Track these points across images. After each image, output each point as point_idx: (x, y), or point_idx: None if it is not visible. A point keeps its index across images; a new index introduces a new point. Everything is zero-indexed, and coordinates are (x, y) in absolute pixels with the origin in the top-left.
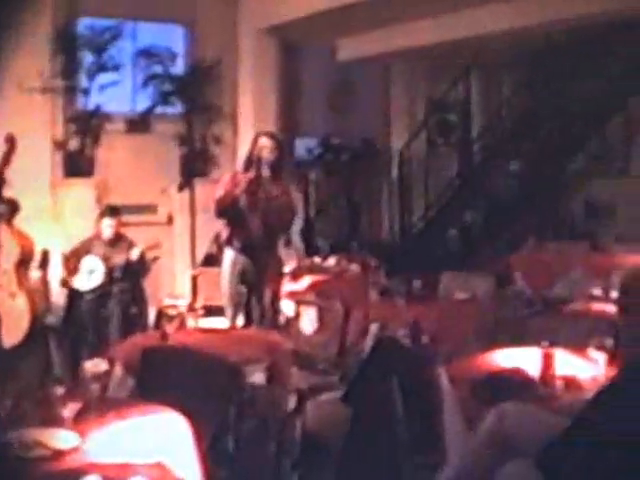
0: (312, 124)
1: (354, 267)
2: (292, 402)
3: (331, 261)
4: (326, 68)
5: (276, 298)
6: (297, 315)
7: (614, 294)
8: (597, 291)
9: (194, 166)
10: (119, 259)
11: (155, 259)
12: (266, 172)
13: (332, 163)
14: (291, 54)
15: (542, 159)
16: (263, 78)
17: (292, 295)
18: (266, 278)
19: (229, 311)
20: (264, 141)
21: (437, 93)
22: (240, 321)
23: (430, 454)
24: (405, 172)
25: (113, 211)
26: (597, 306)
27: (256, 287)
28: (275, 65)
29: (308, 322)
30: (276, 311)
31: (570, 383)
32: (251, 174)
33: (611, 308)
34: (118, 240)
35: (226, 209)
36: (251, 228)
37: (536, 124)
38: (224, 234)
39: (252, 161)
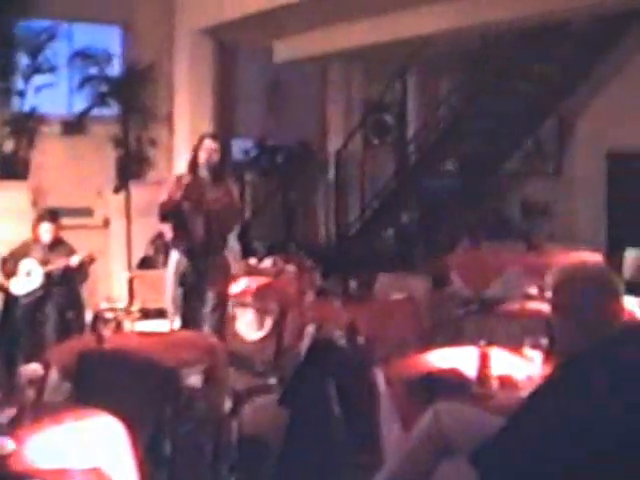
0: (248, 125)
1: (290, 268)
2: (228, 405)
3: (267, 263)
4: (262, 69)
5: (221, 301)
6: (234, 317)
7: (548, 293)
8: (532, 290)
9: (130, 168)
10: (58, 264)
11: (91, 261)
12: (210, 174)
13: (268, 164)
14: (227, 55)
15: (477, 159)
16: (199, 79)
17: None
18: (210, 280)
19: (171, 314)
20: (208, 143)
21: (373, 94)
22: (178, 324)
23: (367, 454)
24: (341, 173)
25: (52, 215)
26: (532, 305)
27: (200, 290)
28: (211, 66)
29: (245, 324)
30: (222, 314)
31: (506, 382)
32: (195, 176)
33: (546, 307)
34: (57, 244)
35: (170, 212)
36: (195, 231)
37: (471, 124)
38: (168, 237)
39: (196, 163)
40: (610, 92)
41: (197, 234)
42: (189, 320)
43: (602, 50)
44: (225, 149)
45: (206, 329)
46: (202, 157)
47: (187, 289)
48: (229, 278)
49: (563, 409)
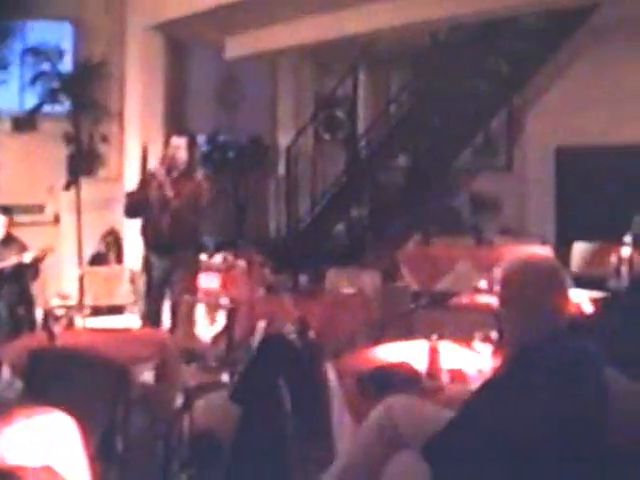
0: (200, 121)
1: (241, 264)
2: (180, 401)
3: (218, 258)
4: (214, 65)
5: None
6: (187, 313)
7: (497, 286)
8: (482, 284)
9: (81, 165)
10: (9, 261)
11: (45, 255)
12: (178, 171)
13: (220, 160)
14: (179, 51)
15: (428, 155)
16: (151, 76)
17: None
18: (177, 276)
19: (140, 309)
20: (177, 141)
21: (325, 90)
22: (138, 319)
23: (319, 448)
24: (292, 168)
25: (4, 211)
26: (482, 299)
27: (168, 285)
28: (162, 63)
29: (198, 320)
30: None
31: (456, 375)
32: (163, 173)
33: (495, 301)
34: (8, 241)
35: (137, 209)
36: (162, 227)
37: (422, 120)
38: (139, 233)
39: (166, 161)
40: (560, 88)
41: (164, 229)
42: (151, 316)
43: (552, 46)
44: (192, 146)
45: (166, 324)
46: (170, 155)
47: (152, 284)
48: (195, 275)
49: (511, 401)
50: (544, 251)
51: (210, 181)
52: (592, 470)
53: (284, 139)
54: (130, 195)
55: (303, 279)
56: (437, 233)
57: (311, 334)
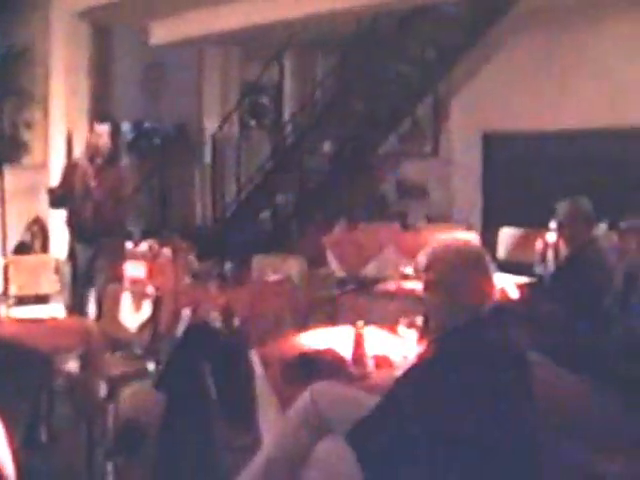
0: (125, 108)
1: (166, 252)
2: (104, 390)
3: (143, 246)
4: (139, 52)
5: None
6: (113, 301)
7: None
8: (408, 270)
9: (5, 152)
10: None
11: None
12: (102, 160)
13: (145, 147)
14: (104, 38)
15: (354, 140)
16: (75, 62)
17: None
18: (102, 265)
19: (65, 298)
20: (100, 128)
21: (250, 76)
22: (62, 309)
23: (245, 436)
24: (218, 155)
25: None
26: (408, 285)
27: (93, 274)
28: (87, 49)
29: (123, 308)
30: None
31: (381, 361)
32: (86, 162)
33: (421, 286)
34: None
35: (61, 198)
36: (85, 216)
37: (348, 106)
38: (64, 222)
39: (89, 149)
40: (486, 74)
41: (86, 219)
42: (77, 305)
43: (477, 32)
44: (115, 133)
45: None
46: (93, 143)
47: (77, 273)
48: (121, 263)
49: (435, 386)
50: (469, 237)
51: (134, 169)
52: (518, 453)
53: (210, 126)
54: (52, 191)
55: (229, 266)
56: (363, 219)
57: (236, 321)
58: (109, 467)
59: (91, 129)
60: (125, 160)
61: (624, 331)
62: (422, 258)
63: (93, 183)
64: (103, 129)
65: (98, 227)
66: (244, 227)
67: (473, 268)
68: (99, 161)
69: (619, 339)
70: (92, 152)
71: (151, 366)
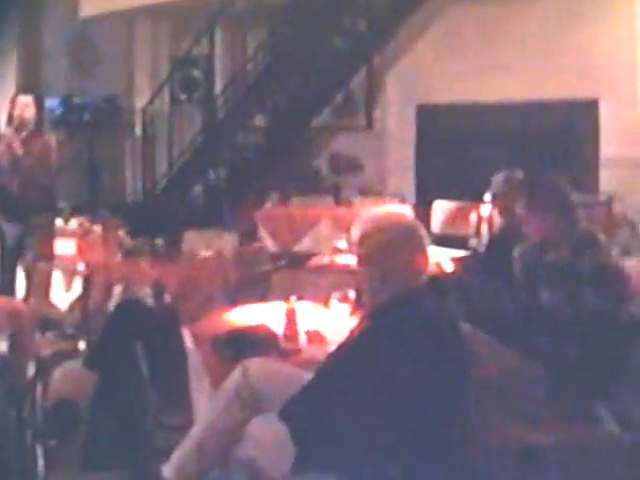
0: (54, 82)
1: (97, 228)
2: (34, 370)
3: (73, 223)
4: (68, 25)
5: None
6: (43, 280)
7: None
8: (341, 244)
9: None
10: None
11: None
12: (27, 130)
13: (74, 122)
14: (32, 10)
15: (286, 114)
16: (2, 35)
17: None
18: (31, 243)
19: None
20: (24, 99)
21: (181, 51)
22: None
23: (178, 415)
24: (148, 130)
25: None
26: (341, 259)
27: (22, 252)
28: (14, 21)
29: (53, 287)
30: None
31: (314, 337)
32: (12, 133)
33: (354, 260)
34: None
35: None
36: (13, 189)
37: (280, 79)
38: None
39: (13, 120)
40: (420, 45)
41: (14, 192)
42: (5, 284)
43: (412, 3)
44: (39, 104)
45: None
46: (17, 115)
47: (5, 252)
48: (51, 240)
49: (367, 362)
50: (403, 210)
51: (63, 144)
52: (450, 427)
53: (140, 100)
54: None
55: (160, 243)
56: (296, 193)
57: (168, 298)
58: (39, 450)
59: (12, 100)
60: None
61: (544, 305)
62: (354, 232)
63: (20, 152)
64: (27, 99)
65: (27, 203)
66: (175, 203)
67: (406, 242)
68: (25, 132)
69: (540, 313)
70: (17, 123)
71: (83, 345)
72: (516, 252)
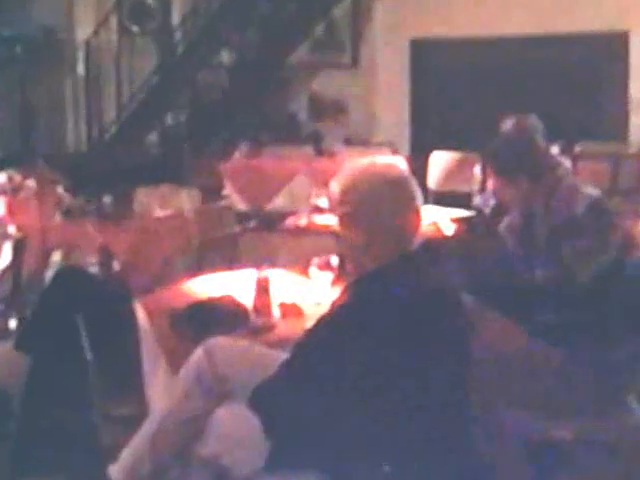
0: None
1: (30, 184)
2: None
3: (2, 178)
4: None
5: None
6: None
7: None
8: (322, 202)
9: None
10: None
11: None
12: None
13: (5, 57)
14: None
15: (258, 49)
16: None
17: None
18: None
19: None
20: None
21: None
22: None
23: (129, 404)
24: (93, 67)
25: None
26: (322, 220)
27: None
28: None
29: None
30: None
31: (290, 310)
32: None
33: (336, 221)
34: None
35: None
36: None
37: (251, 7)
38: None
39: None
40: None
41: None
42: None
43: None
44: None
45: None
46: None
47: None
48: None
49: (352, 338)
50: (395, 162)
51: None
52: (445, 409)
53: (83, 32)
54: None
55: (108, 201)
56: (269, 142)
57: (116, 266)
58: None
59: None
60: None
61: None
62: (336, 187)
63: None
64: None
65: None
66: (126, 153)
67: (397, 199)
68: None
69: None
70: None
71: (13, 323)
72: (501, 228)
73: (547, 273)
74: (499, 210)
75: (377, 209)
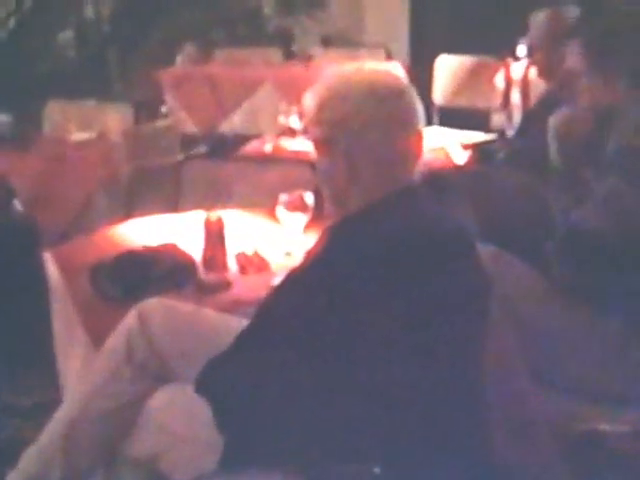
0: None
1: None
2: None
3: None
4: None
5: None
6: None
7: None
8: (294, 121)
9: None
10: None
11: None
12: None
13: None
14: None
15: None
16: None
17: None
18: None
19: None
20: None
21: None
22: None
23: (35, 392)
24: None
25: None
26: (293, 144)
27: None
28: None
29: None
30: None
31: (250, 263)
32: None
33: (311, 146)
34: None
35: None
36: None
37: None
38: None
39: None
40: None
41: None
42: None
43: None
44: None
45: None
46: None
47: None
48: None
49: (332, 299)
50: (389, 69)
51: None
52: (467, 410)
53: None
54: None
55: (6, 120)
56: (223, 43)
57: (18, 206)
58: None
59: None
60: None
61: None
62: (311, 102)
63: None
64: None
65: None
66: (31, 54)
67: (391, 116)
68: None
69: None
70: None
71: None
72: (553, 121)
73: (599, 218)
74: (529, 125)
75: (365, 130)
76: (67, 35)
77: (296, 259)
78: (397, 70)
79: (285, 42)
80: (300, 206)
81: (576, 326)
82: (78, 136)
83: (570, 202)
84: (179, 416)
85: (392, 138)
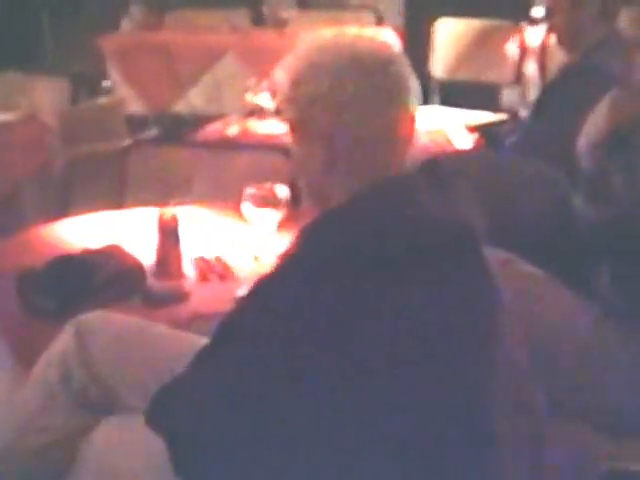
0: None
1: None
2: None
3: None
4: None
5: None
6: None
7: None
8: (264, 100)
9: None
10: None
11: None
12: None
13: None
14: None
15: None
16: None
17: None
18: None
19: None
20: None
21: None
22: None
23: None
24: None
25: None
26: (264, 126)
27: None
28: None
29: None
30: None
31: (211, 269)
32: None
33: (284, 129)
34: None
35: None
36: None
37: None
38: None
39: None
40: None
41: None
42: None
43: None
44: None
45: None
46: None
47: None
48: None
49: (307, 311)
50: (377, 35)
51: None
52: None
53: None
54: None
55: None
56: (177, 5)
57: None
58: None
59: None
60: None
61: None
62: (285, 75)
63: None
64: None
65: None
66: None
67: (379, 91)
68: None
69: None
70: None
71: None
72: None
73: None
74: (547, 103)
75: (347, 109)
76: None
77: (266, 265)
78: (388, 36)
79: (253, 2)
80: (271, 201)
81: (617, 350)
82: (5, 116)
83: (598, 198)
84: (126, 454)
85: (378, 117)
